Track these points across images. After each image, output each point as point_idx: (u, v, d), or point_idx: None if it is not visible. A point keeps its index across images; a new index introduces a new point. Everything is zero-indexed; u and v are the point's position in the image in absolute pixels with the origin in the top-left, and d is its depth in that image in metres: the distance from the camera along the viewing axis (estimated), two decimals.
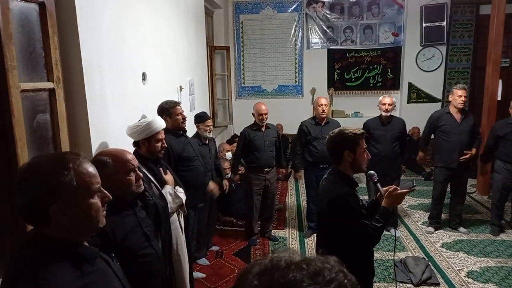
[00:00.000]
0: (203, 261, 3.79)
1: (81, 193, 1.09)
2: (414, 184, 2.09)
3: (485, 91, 5.51)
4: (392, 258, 3.81)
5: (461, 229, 4.41)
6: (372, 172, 2.19)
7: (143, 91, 2.97)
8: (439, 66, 7.06)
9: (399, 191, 2.04)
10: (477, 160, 5.57)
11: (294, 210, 5.27)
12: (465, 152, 4.14)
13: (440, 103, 7.06)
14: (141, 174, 1.83)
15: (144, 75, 2.96)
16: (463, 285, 3.36)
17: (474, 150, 4.21)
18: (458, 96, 4.12)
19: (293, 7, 7.28)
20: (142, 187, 1.84)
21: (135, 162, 1.81)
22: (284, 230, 4.60)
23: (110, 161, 1.72)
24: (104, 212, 1.18)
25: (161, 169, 2.46)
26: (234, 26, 7.39)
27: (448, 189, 4.42)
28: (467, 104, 7.02)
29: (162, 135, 2.42)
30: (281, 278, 0.62)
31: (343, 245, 1.92)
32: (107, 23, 2.38)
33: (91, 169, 1.14)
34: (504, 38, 5.97)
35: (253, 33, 7.42)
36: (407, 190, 2.07)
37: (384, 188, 2.12)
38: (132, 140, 2.39)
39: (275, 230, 4.54)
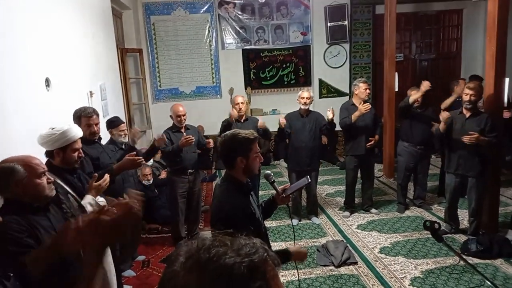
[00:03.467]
0: (129, 272, 3.64)
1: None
2: (309, 180, 2.22)
3: (384, 83, 6.10)
4: (315, 244, 4.05)
5: (373, 210, 4.84)
6: (268, 172, 2.22)
7: (49, 97, 2.77)
8: (344, 63, 7.62)
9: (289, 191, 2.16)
10: (382, 147, 6.18)
11: None
12: (370, 139, 4.54)
13: (348, 97, 7.61)
14: (51, 178, 1.74)
15: (47, 81, 2.76)
16: (377, 261, 3.70)
17: (377, 137, 4.64)
18: (364, 89, 4.51)
19: (205, 8, 7.29)
20: (54, 191, 1.75)
21: (44, 166, 1.75)
22: (211, 231, 4.60)
23: (18, 166, 1.63)
24: None
25: (95, 175, 2.33)
26: (145, 28, 7.17)
27: (359, 175, 4.81)
28: (370, 96, 7.74)
29: (79, 144, 2.29)
30: (207, 253, 0.67)
31: None
32: None
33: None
34: (398, 35, 6.68)
35: (166, 35, 7.28)
36: (300, 187, 2.21)
37: (280, 187, 2.18)
38: (43, 150, 2.22)
39: (203, 232, 4.52)
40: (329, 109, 4.39)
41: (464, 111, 3.87)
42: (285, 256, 2.08)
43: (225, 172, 2.10)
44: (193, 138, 3.85)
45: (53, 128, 2.19)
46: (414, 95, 4.39)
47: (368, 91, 4.51)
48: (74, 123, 2.93)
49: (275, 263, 0.71)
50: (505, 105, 4.21)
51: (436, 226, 2.17)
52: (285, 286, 3.31)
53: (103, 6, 4.61)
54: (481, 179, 3.85)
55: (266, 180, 2.21)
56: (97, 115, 3.01)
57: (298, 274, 3.43)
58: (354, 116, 4.36)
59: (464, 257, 3.56)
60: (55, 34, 3.04)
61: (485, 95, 3.94)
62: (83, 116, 2.90)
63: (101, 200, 2.36)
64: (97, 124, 3.00)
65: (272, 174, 2.23)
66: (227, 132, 2.05)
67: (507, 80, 4.02)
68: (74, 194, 2.13)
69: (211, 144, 4.21)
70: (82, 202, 2.17)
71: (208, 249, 0.67)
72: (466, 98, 3.79)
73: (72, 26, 3.47)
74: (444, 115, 3.94)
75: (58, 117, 2.79)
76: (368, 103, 4.40)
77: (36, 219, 1.66)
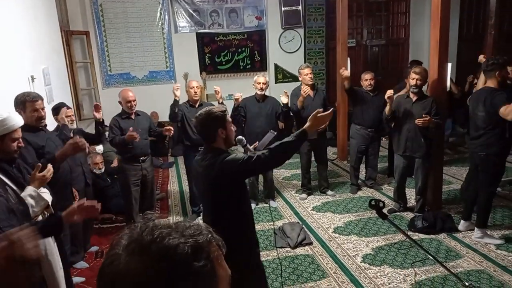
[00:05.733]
0: (82, 264, 3.52)
1: None
2: (274, 133, 2.51)
3: (338, 68, 6.21)
4: (272, 227, 4.12)
5: (329, 192, 4.98)
6: (240, 137, 2.41)
7: None
8: (299, 48, 7.67)
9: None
10: (336, 131, 6.36)
11: (177, 197, 5.23)
12: None
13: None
14: None
15: None
16: (331, 240, 3.83)
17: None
18: (305, 74, 4.53)
19: None
20: None
21: None
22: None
23: None
24: None
25: (38, 165, 2.19)
26: (92, 9, 6.78)
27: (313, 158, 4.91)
28: (324, 81, 7.89)
29: (18, 134, 2.15)
30: (150, 235, 0.66)
31: (233, 221, 2.16)
32: None
33: None
34: (350, 21, 6.80)
35: (115, 17, 6.93)
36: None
37: (251, 147, 2.48)
38: None
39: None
40: (283, 94, 4.42)
41: (411, 95, 4.04)
42: (299, 133, 2.23)
43: (204, 147, 2.29)
44: (137, 136, 3.71)
45: None
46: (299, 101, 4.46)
47: (309, 75, 4.50)
48: (16, 110, 2.74)
49: (220, 244, 0.71)
50: (448, 89, 4.44)
51: (381, 204, 2.27)
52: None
53: None
54: (427, 159, 4.07)
55: (239, 144, 2.43)
56: (42, 99, 2.85)
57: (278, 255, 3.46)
58: (299, 102, 4.42)
59: (411, 233, 3.80)
60: None
61: (429, 80, 4.13)
62: (28, 101, 2.73)
63: (44, 191, 2.24)
64: (43, 108, 2.85)
65: (244, 138, 2.43)
66: (201, 111, 2.25)
67: (449, 65, 4.24)
68: (13, 186, 2.00)
69: (171, 132, 4.08)
70: (22, 195, 2.04)
71: (151, 231, 0.66)
72: (412, 82, 3.95)
73: (9, 7, 3.21)
74: (388, 93, 3.99)
75: None
76: (307, 86, 4.41)
77: None
